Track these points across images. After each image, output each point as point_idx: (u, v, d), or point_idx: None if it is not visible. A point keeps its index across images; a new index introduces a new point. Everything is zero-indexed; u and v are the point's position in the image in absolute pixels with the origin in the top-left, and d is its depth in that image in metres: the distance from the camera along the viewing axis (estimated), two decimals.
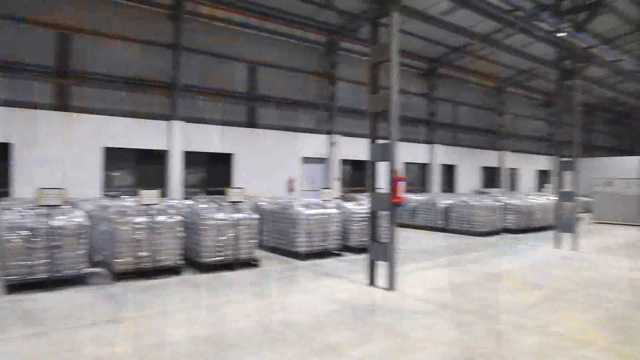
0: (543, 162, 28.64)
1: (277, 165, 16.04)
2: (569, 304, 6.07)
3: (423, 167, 21.88)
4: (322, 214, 9.21)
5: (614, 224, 16.87)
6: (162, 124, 13.74)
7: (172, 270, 7.45)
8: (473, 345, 4.56)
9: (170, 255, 7.43)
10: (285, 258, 9.10)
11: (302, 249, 8.90)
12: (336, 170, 17.53)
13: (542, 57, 14.11)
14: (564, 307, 5.94)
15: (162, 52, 13.94)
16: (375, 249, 6.77)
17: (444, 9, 13.89)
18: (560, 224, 11.04)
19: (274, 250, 9.62)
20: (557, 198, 11.15)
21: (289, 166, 16.43)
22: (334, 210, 9.52)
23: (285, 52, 16.91)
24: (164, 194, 12.82)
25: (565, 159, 11.15)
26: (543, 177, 28.99)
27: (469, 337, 4.76)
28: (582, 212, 19.43)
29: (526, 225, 14.03)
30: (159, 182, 13.56)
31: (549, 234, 11.94)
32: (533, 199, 15.41)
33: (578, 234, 11.06)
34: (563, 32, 10.01)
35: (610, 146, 36.70)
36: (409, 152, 20.46)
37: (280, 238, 9.44)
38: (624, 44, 21.28)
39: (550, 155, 11.71)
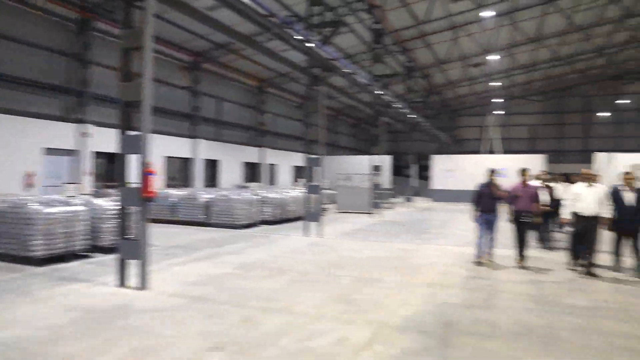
0: (299, 159, 31.61)
1: (10, 156, 13.53)
2: (311, 285, 6.82)
3: (186, 162, 21.59)
4: (66, 212, 8.17)
5: (353, 212, 19.77)
6: None
7: None
8: (224, 333, 4.71)
9: None
10: (16, 265, 7.73)
11: (39, 253, 7.72)
12: (88, 164, 15.81)
13: (296, 63, 15.53)
14: (307, 287, 6.64)
15: None
16: (126, 246, 6.34)
17: (209, 4, 13.91)
18: (308, 214, 12.37)
19: (3, 257, 8.09)
20: (306, 191, 12.45)
21: (28, 158, 14.06)
22: (81, 208, 8.56)
23: (27, 25, 14.38)
24: None
25: (313, 156, 12.52)
26: (299, 172, 31.98)
27: (221, 327, 4.89)
28: (328, 203, 22.16)
29: (282, 217, 15.24)
30: None
31: (301, 223, 13.21)
32: (288, 192, 16.84)
33: (323, 222, 12.58)
34: (312, 42, 11.19)
35: (352, 146, 42.87)
36: (172, 146, 19.92)
37: (10, 242, 7.98)
38: (361, 61, 25.09)
39: (304, 152, 12.97)
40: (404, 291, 6.49)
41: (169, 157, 19.87)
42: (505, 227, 8.93)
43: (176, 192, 14.97)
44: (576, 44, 27.88)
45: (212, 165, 23.26)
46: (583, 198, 7.63)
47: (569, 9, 22.04)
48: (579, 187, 7.84)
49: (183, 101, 21.18)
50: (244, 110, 26.22)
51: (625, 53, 32.14)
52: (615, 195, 7.63)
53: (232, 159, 24.60)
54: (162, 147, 17.86)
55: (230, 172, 24.48)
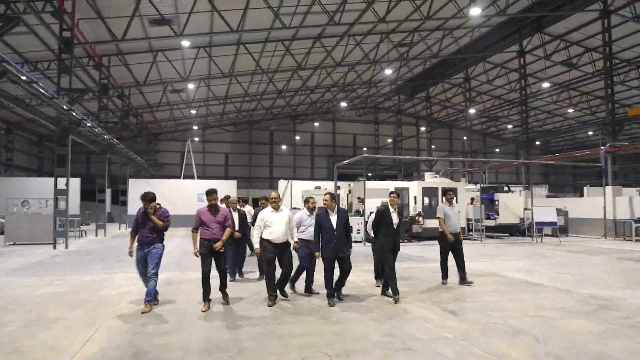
0: None
1: None
2: None
3: None
4: None
5: (30, 244, 16.81)
6: None
7: None
8: None
9: None
10: None
11: None
12: None
13: None
14: None
15: None
16: None
17: None
18: None
19: None
20: None
21: None
22: None
23: None
24: None
25: None
26: None
27: None
28: None
29: None
30: None
31: None
32: None
33: None
34: None
35: (33, 167, 36.85)
36: None
37: None
38: (46, 70, 22.07)
39: None
40: (89, 327, 5.82)
41: None
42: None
43: None
44: (262, 84, 31.80)
45: None
46: (272, 223, 7.27)
47: (256, 53, 25.04)
48: (267, 212, 7.42)
49: None
50: None
51: (299, 98, 38.56)
52: (321, 219, 7.24)
53: None
54: None
55: None
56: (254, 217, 9.27)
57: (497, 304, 7.28)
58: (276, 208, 7.45)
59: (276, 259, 7.33)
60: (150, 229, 6.98)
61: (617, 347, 5.14)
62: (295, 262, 7.84)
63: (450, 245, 9.04)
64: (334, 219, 7.22)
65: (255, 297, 7.80)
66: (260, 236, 7.34)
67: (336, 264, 7.34)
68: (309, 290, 8.04)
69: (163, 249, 7.16)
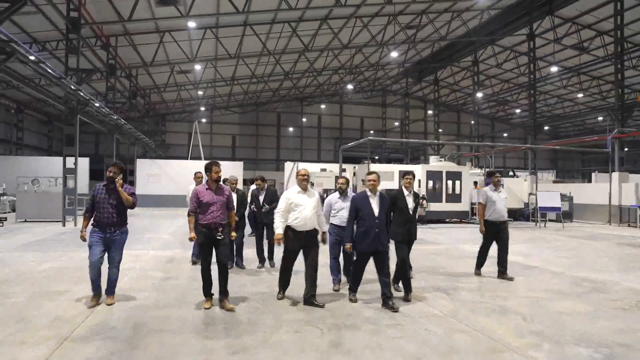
0: None
1: None
2: None
3: None
4: None
5: (40, 221, 17.18)
6: None
7: None
8: None
9: None
10: None
11: None
12: None
13: None
14: None
15: None
16: None
17: None
18: None
19: None
20: None
21: None
22: None
23: None
24: None
25: None
26: None
27: None
28: (8, 212, 18.72)
29: None
30: None
31: None
32: None
33: None
34: None
35: (42, 147, 37.29)
36: None
37: None
38: (54, 50, 22.21)
39: None
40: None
41: None
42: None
43: None
44: (269, 65, 31.73)
45: None
46: (298, 207, 5.96)
47: (263, 34, 24.96)
48: (294, 193, 6.07)
49: None
50: None
51: (306, 80, 38.43)
52: (360, 203, 6.01)
53: None
54: None
55: None
56: (252, 198, 9.12)
57: (490, 285, 7.44)
58: (304, 188, 6.08)
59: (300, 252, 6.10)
60: (114, 207, 5.84)
61: (602, 327, 5.28)
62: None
63: (495, 235, 8.00)
64: (375, 203, 5.94)
65: (254, 274, 8.01)
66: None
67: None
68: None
69: (127, 235, 6.17)
